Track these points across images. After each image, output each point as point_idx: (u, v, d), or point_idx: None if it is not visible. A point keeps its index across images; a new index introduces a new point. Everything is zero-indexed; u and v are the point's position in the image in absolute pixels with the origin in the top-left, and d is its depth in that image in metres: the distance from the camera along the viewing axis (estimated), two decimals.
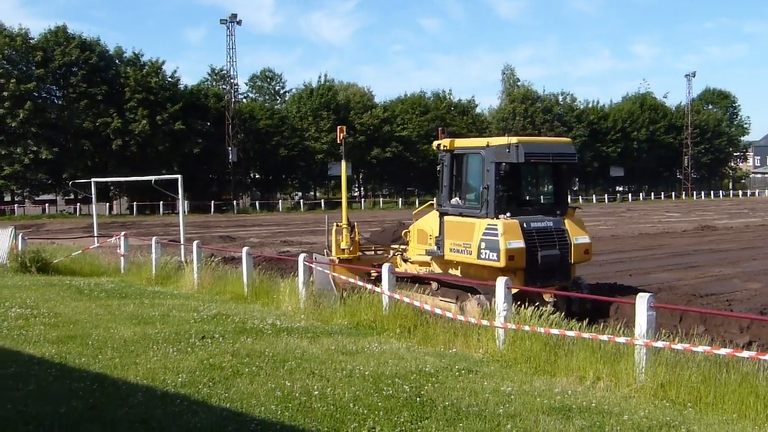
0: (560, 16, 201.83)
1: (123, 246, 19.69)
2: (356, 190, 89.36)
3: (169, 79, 70.73)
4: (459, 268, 12.68)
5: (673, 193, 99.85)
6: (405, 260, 14.27)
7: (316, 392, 6.93)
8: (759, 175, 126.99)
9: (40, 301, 13.05)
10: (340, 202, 15.24)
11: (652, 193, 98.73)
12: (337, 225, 14.49)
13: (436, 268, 13.22)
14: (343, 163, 14.88)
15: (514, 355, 8.67)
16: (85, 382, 7.32)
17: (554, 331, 8.41)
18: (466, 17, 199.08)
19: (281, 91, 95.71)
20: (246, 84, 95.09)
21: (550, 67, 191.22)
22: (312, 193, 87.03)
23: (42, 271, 18.60)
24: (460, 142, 13.17)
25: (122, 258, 19.59)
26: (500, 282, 9.40)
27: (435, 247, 13.15)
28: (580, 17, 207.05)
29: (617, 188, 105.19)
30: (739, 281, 16.96)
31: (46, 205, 67.38)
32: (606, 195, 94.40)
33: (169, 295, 14.64)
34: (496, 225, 11.65)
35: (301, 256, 13.46)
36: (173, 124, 66.02)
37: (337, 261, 14.15)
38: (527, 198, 13.30)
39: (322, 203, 75.77)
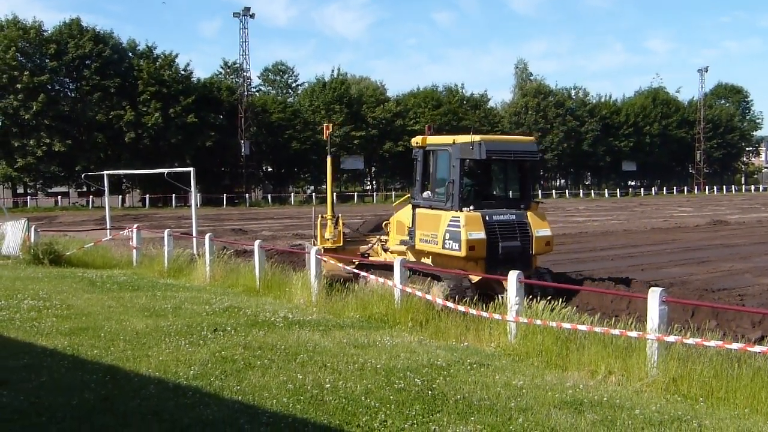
0: (574, 11, 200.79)
1: (135, 238, 19.77)
2: (368, 183, 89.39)
3: (182, 72, 70.89)
4: (430, 257, 13.31)
5: (686, 188, 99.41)
6: (385, 250, 14.92)
7: (328, 385, 6.93)
8: None
9: (52, 293, 13.12)
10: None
11: (665, 188, 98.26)
12: (322, 217, 15.40)
13: (411, 257, 13.74)
14: (329, 159, 15.84)
15: (525, 349, 8.64)
16: (98, 374, 7.36)
17: (566, 325, 8.38)
18: (480, 11, 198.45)
19: (294, 85, 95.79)
20: (259, 77, 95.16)
21: (564, 62, 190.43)
22: (324, 186, 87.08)
23: (54, 263, 18.71)
24: (431, 140, 13.83)
25: (134, 250, 19.67)
26: (512, 275, 9.37)
27: (408, 238, 13.89)
28: (594, 11, 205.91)
29: (629, 183, 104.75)
30: (751, 276, 16.85)
31: (59, 197, 67.74)
32: (618, 189, 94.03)
33: (182, 288, 14.69)
34: (459, 217, 12.40)
35: (313, 250, 13.45)
36: (186, 117, 66.15)
37: (322, 250, 14.53)
38: (492, 192, 13.93)
39: (334, 196, 75.77)
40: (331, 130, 15.27)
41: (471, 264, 12.41)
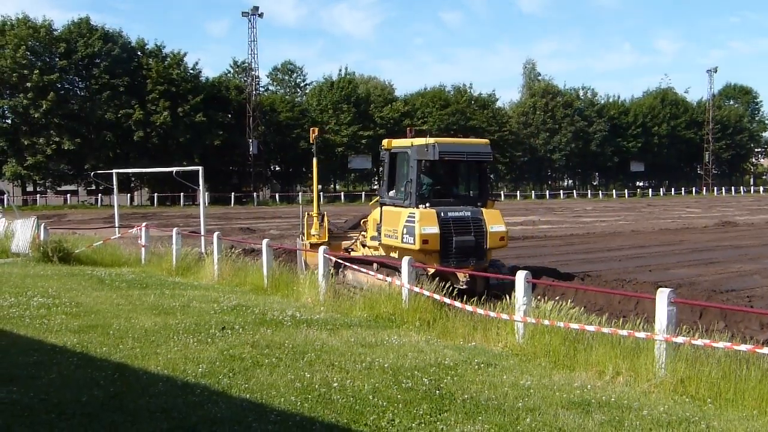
0: (583, 10, 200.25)
1: (144, 237, 19.83)
2: (376, 183, 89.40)
3: (191, 71, 71.11)
4: (397, 252, 13.94)
5: (694, 189, 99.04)
6: (363, 245, 15.71)
7: (336, 384, 6.95)
8: None
9: (62, 291, 13.18)
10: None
11: (673, 189, 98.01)
12: (309, 214, 16.65)
13: (381, 252, 14.63)
14: (315, 160, 17.03)
15: (533, 349, 8.63)
16: (107, 371, 7.39)
17: (574, 325, 8.36)
18: (488, 11, 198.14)
19: (302, 84, 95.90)
20: (267, 76, 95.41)
21: (572, 62, 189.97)
22: (332, 185, 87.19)
23: (64, 261, 18.78)
24: (396, 142, 14.76)
25: (143, 249, 19.72)
26: (520, 276, 9.36)
27: (377, 234, 14.71)
28: (602, 11, 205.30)
29: (637, 183, 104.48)
30: (759, 277, 16.77)
31: (68, 195, 68.11)
32: (626, 190, 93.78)
33: (190, 286, 14.72)
34: (414, 213, 13.27)
35: (321, 249, 13.48)
36: (194, 116, 66.33)
37: (308, 245, 16.02)
38: (450, 191, 14.64)
39: (342, 196, 75.89)
40: (317, 134, 16.32)
41: (427, 257, 13.19)
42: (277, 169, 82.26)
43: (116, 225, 25.57)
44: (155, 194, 66.94)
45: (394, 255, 14.00)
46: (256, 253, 18.67)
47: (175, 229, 18.67)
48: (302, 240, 16.61)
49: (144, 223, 20.78)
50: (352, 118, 78.06)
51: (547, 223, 38.95)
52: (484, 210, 13.89)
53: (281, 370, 7.50)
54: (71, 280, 14.98)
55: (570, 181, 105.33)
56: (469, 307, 9.98)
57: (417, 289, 11.05)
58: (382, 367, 7.65)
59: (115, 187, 27.07)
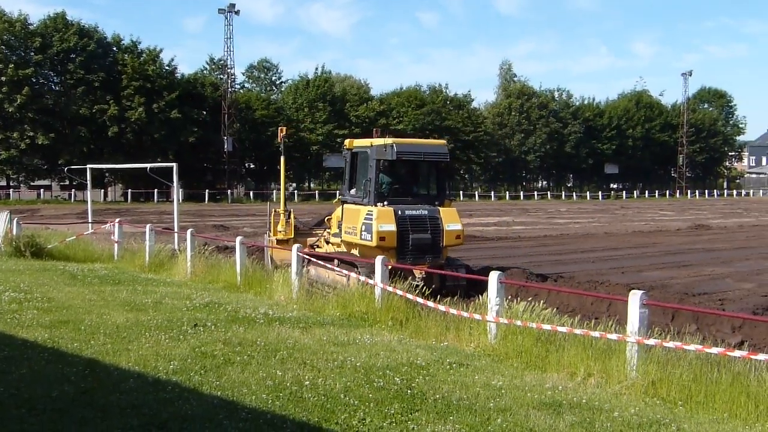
0: (560, 12, 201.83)
1: (117, 233, 19.64)
2: None
3: (167, 68, 70.63)
4: (357, 248, 14.41)
5: (668, 192, 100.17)
6: (327, 242, 16.16)
7: (308, 382, 6.92)
8: (754, 175, 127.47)
9: (33, 286, 13.00)
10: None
11: (647, 191, 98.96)
12: (275, 210, 17.03)
13: (344, 248, 15.09)
14: (282, 159, 17.32)
15: (505, 350, 8.66)
16: (78, 367, 7.30)
17: (546, 326, 8.40)
18: (465, 12, 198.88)
19: (278, 82, 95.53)
20: (243, 74, 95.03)
21: (549, 63, 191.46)
22: (307, 184, 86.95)
23: (36, 255, 18.55)
24: (357, 142, 15.29)
25: (116, 244, 19.54)
26: (493, 276, 9.39)
27: (338, 230, 15.26)
28: (579, 14, 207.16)
29: (611, 185, 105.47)
30: (732, 281, 16.99)
31: (42, 190, 67.17)
32: (600, 192, 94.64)
33: (162, 283, 14.61)
34: (372, 211, 13.76)
35: (295, 247, 13.45)
36: (169, 113, 65.88)
37: (275, 242, 16.51)
38: (409, 190, 15.10)
39: (317, 194, 75.74)
40: (284, 133, 16.73)
41: (384, 253, 13.30)
42: (252, 166, 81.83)
43: (89, 221, 25.24)
44: (129, 190, 66.38)
45: (355, 251, 14.49)
46: (229, 251, 18.57)
47: (148, 226, 18.51)
48: (269, 236, 17.04)
49: (117, 219, 20.59)
50: (327, 116, 77.96)
51: (521, 224, 39.16)
52: (441, 209, 14.32)
53: (253, 367, 7.46)
54: (43, 275, 14.79)
55: (544, 183, 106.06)
56: (441, 307, 9.99)
57: (390, 289, 11.05)
58: (354, 366, 7.64)
59: (88, 182, 26.68)
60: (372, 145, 14.35)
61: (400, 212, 13.81)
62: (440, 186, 15.17)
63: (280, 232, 16.75)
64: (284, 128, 17.01)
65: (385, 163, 14.28)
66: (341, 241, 15.09)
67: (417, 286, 11.69)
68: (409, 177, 15.34)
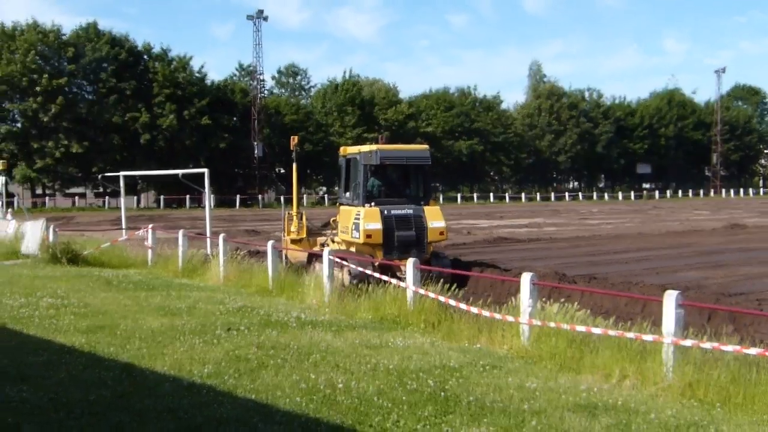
0: (588, 11, 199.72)
1: (150, 238, 19.87)
2: None
3: (197, 75, 71.34)
4: (354, 246, 15.64)
5: (702, 191, 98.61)
6: (333, 241, 17.14)
7: (341, 385, 6.95)
8: None
9: (70, 292, 13.24)
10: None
11: (680, 191, 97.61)
12: (289, 213, 18.35)
13: (344, 247, 16.24)
14: (295, 165, 18.08)
15: (538, 352, 8.61)
16: (114, 372, 7.41)
17: (580, 328, 8.34)
18: (494, 12, 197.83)
19: (306, 87, 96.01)
20: (272, 79, 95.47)
21: (578, 63, 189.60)
22: (336, 188, 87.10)
23: (72, 262, 18.85)
24: (350, 149, 16.67)
25: (149, 250, 19.77)
26: (526, 278, 9.34)
27: (337, 231, 16.66)
28: (608, 12, 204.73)
29: (644, 186, 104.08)
30: None
31: (76, 197, 68.28)
32: (632, 192, 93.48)
33: (196, 288, 14.77)
34: (360, 211, 15.18)
35: (326, 251, 13.51)
36: (200, 119, 66.50)
37: (289, 242, 17.77)
38: (396, 191, 16.40)
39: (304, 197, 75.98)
40: (296, 141, 17.74)
41: (372, 249, 15.14)
42: (282, 171, 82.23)
43: (123, 227, 25.62)
44: (161, 196, 67.06)
45: (353, 249, 15.74)
46: (261, 255, 18.70)
47: (181, 231, 18.71)
48: (283, 237, 18.35)
49: (150, 225, 20.83)
50: (356, 120, 78.12)
51: (553, 225, 38.86)
52: (425, 208, 15.68)
53: (286, 371, 7.51)
54: (79, 282, 15.04)
55: (575, 183, 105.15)
56: (474, 309, 9.97)
57: (422, 291, 11.06)
58: (387, 368, 7.65)
59: (122, 189, 27.09)
60: (360, 152, 15.81)
61: (386, 212, 15.19)
62: (425, 187, 16.56)
63: (293, 232, 17.91)
64: (296, 137, 18.13)
65: (371, 168, 15.68)
66: (341, 240, 16.32)
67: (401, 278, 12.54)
68: (395, 180, 16.78)
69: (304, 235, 17.81)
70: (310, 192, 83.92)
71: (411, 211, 15.48)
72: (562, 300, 9.93)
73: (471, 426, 5.93)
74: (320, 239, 17.90)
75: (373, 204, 15.32)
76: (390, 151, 15.82)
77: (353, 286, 13.25)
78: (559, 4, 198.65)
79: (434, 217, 15.59)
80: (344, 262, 14.32)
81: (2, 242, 23.00)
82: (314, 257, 16.59)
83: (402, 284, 11.68)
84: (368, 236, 14.92)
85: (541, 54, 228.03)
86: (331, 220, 17.82)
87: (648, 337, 7.67)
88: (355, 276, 14.17)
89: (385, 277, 12.30)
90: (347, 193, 16.53)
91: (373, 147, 15.55)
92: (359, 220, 15.07)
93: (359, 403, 6.43)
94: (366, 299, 12.02)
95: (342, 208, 16.54)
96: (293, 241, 17.77)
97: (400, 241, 15.14)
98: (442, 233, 15.66)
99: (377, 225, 14.96)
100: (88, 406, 6.26)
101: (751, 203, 71.31)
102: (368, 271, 13.69)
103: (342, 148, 17.00)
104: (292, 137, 18.27)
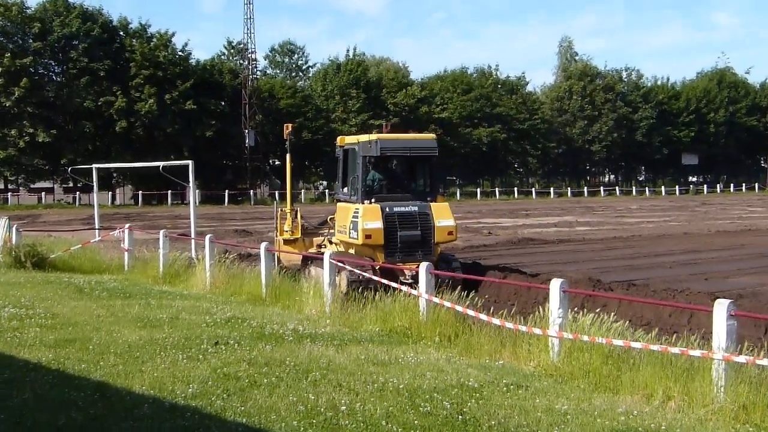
0: None
1: (127, 240, 19.92)
2: None
3: (180, 54, 71.44)
4: (353, 248, 15.71)
5: (757, 185, 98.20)
6: (330, 242, 17.31)
7: (344, 407, 6.94)
8: None
9: (36, 300, 13.27)
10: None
11: (732, 185, 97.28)
12: (282, 210, 18.42)
13: (343, 248, 16.35)
14: (288, 157, 18.69)
15: (570, 369, 8.59)
16: (86, 391, 7.42)
17: (617, 341, 8.31)
18: None
19: (304, 67, 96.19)
20: (265, 59, 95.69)
21: (615, 39, 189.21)
22: (336, 182, 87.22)
23: (38, 266, 18.92)
24: (348, 139, 16.76)
25: (126, 253, 19.83)
26: (555, 285, 9.32)
27: (334, 230, 16.88)
28: None
29: (690, 179, 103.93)
30: None
31: (43, 193, 68.53)
32: (677, 186, 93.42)
33: (179, 296, 14.81)
34: (358, 209, 15.21)
35: (327, 253, 13.53)
36: (183, 104, 66.65)
37: (282, 242, 17.87)
38: (399, 186, 16.48)
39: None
40: (290, 130, 18.20)
41: (372, 251, 15.25)
42: (277, 163, 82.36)
43: (96, 227, 25.70)
44: (140, 192, 67.28)
45: (352, 251, 15.87)
46: (253, 259, 18.74)
47: (162, 232, 18.76)
48: (275, 237, 18.39)
49: (127, 225, 20.88)
50: (361, 105, 78.20)
51: (586, 224, 38.81)
52: (432, 204, 15.71)
53: (282, 390, 7.51)
54: (46, 289, 15.09)
55: (612, 177, 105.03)
56: (496, 320, 9.95)
57: (437, 300, 11.05)
58: (397, 388, 7.64)
59: (94, 184, 27.19)
60: (359, 142, 15.83)
61: (387, 209, 15.21)
62: (431, 181, 16.65)
63: (286, 232, 18.03)
64: (289, 125, 18.48)
65: (371, 160, 15.80)
66: (339, 241, 16.44)
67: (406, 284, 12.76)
68: (398, 173, 17.04)
69: (299, 235, 17.94)
70: (308, 187, 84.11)
71: (416, 208, 15.54)
72: (597, 310, 9.89)
73: None
74: (316, 240, 18.06)
75: (373, 200, 15.40)
76: (391, 141, 15.86)
77: (354, 291, 13.33)
78: None
79: (442, 215, 15.63)
80: (341, 266, 14.38)
81: None
82: (309, 260, 16.75)
83: (413, 291, 11.70)
84: (367, 236, 14.98)
85: (572, 29, 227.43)
86: (329, 218, 17.99)
87: (695, 353, 7.64)
88: (352, 281, 14.29)
89: (394, 284, 12.32)
90: (345, 188, 16.69)
91: (373, 136, 15.61)
92: (357, 218, 15.15)
93: (365, 428, 6.43)
94: (373, 309, 12.02)
95: (339, 204, 16.71)
96: (286, 242, 17.90)
97: (404, 241, 15.22)
98: (451, 233, 15.70)
99: (377, 224, 15.01)
100: (57, 431, 6.26)
101: None
102: (367, 274, 13.87)
103: (339, 138, 17.14)
104: (285, 125, 18.53)
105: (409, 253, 15.21)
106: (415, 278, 13.76)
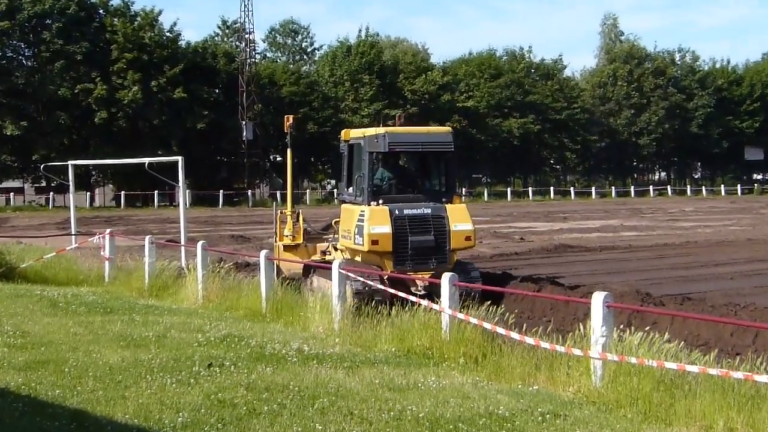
0: None
1: (108, 247, 19.99)
2: None
3: (168, 35, 71.83)
4: (359, 255, 15.81)
5: None
6: (335, 248, 17.39)
7: None
8: None
9: (3, 317, 13.32)
10: None
11: None
12: (282, 212, 18.66)
13: (348, 255, 16.39)
14: (289, 152, 19.28)
15: (615, 396, 8.55)
16: (61, 420, 7.44)
17: (670, 365, 8.27)
18: None
19: (309, 50, 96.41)
20: (264, 40, 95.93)
21: (666, 16, 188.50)
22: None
23: (6, 277, 19.00)
24: (353, 133, 16.87)
25: (107, 262, 19.89)
26: (598, 298, 9.28)
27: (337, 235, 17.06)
28: None
29: (754, 176, 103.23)
30: None
31: (12, 194, 69.00)
32: (739, 185, 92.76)
33: (167, 311, 14.85)
34: (364, 211, 15.27)
35: (336, 263, 13.53)
36: (172, 92, 66.85)
37: (281, 248, 18.08)
38: (410, 186, 16.66)
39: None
40: (291, 122, 18.38)
41: (380, 259, 15.35)
42: (278, 159, 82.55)
43: (73, 232, 25.83)
44: (122, 192, 67.50)
45: (358, 258, 15.98)
46: (252, 268, 18.77)
47: (147, 238, 18.83)
48: (275, 243, 18.53)
49: (108, 230, 20.97)
50: (375, 92, 78.29)
51: (633, 228, 38.68)
52: (448, 206, 15.78)
53: (285, 419, 7.52)
54: (16, 303, 15.15)
55: (663, 174, 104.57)
56: (530, 339, 9.93)
57: (461, 316, 11.04)
58: (416, 417, 7.63)
59: (71, 183, 27.32)
60: (365, 136, 15.96)
61: (397, 211, 15.30)
62: (447, 180, 16.77)
63: (286, 237, 18.19)
64: (291, 117, 18.72)
65: (378, 156, 16.02)
66: (343, 246, 16.55)
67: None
68: (409, 171, 17.28)
69: (301, 241, 18.08)
70: (314, 186, 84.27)
71: (429, 211, 15.63)
72: (646, 328, 9.85)
73: None
74: (320, 246, 18.15)
75: (381, 202, 15.46)
76: (401, 135, 16.00)
77: (363, 303, 13.40)
78: None
79: (459, 218, 15.71)
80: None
81: None
82: (312, 269, 16.85)
83: (434, 306, 11.68)
84: (374, 242, 15.06)
85: (616, 4, 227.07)
86: (333, 221, 18.08)
87: (762, 378, 7.59)
88: (357, 293, 14.35)
89: (404, 295, 12.33)
90: (350, 189, 16.80)
91: (381, 130, 15.72)
92: (363, 222, 15.22)
93: None
94: (388, 326, 12.02)
95: (343, 206, 16.84)
96: (286, 249, 18.05)
97: (415, 248, 15.29)
98: (468, 238, 15.80)
99: (385, 228, 15.10)
100: None
101: None
102: (374, 283, 14.03)
103: (344, 132, 17.24)
104: (286, 117, 18.66)
105: (421, 262, 15.34)
106: (429, 289, 14.03)
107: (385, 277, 14.79)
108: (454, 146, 16.27)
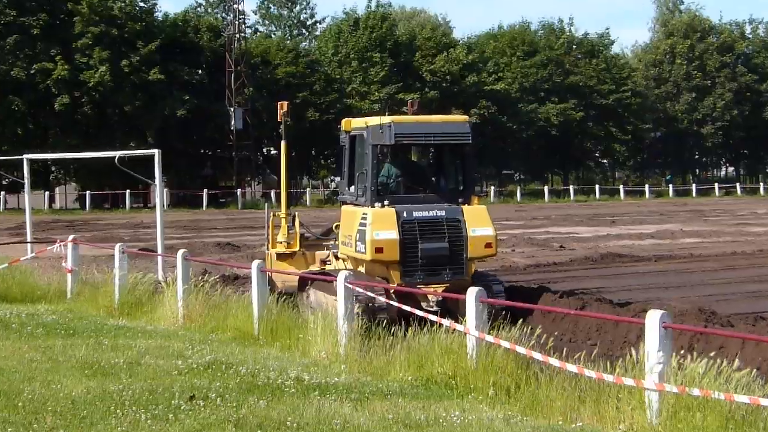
0: None
1: (70, 257, 20.00)
2: None
3: (142, 4, 71.86)
4: (363, 264, 15.93)
5: None
6: (336, 257, 17.58)
7: None
8: None
9: None
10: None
11: None
12: (275, 215, 18.83)
13: (350, 264, 16.60)
14: (283, 143, 19.67)
15: None
16: None
17: (741, 398, 8.23)
18: None
19: (309, 23, 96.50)
20: (256, 12, 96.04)
21: None
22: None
23: None
24: (355, 123, 16.97)
25: (69, 275, 19.90)
26: (653, 317, 9.24)
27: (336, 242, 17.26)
28: None
29: None
30: None
31: None
32: None
33: (141, 333, 14.87)
34: (367, 213, 15.32)
35: (341, 275, 13.51)
36: (147, 73, 66.80)
37: (274, 256, 18.15)
38: (421, 184, 16.86)
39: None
40: (285, 110, 18.54)
41: (385, 269, 15.48)
42: (273, 152, 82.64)
43: (28, 239, 25.89)
44: (87, 192, 67.52)
45: (362, 268, 16.03)
46: (242, 282, 18.79)
47: (118, 246, 18.84)
48: (267, 251, 18.64)
49: (71, 237, 21.00)
50: (387, 73, 78.19)
51: (694, 234, 38.54)
52: (464, 208, 15.84)
53: None
54: None
55: (730, 169, 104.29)
56: (572, 367, 9.90)
57: (491, 339, 11.01)
58: None
59: (26, 181, 27.41)
60: (367, 126, 16.03)
61: (405, 214, 15.39)
62: (465, 177, 16.91)
63: (280, 243, 18.21)
64: (284, 103, 18.85)
65: (383, 150, 16.27)
66: (344, 254, 16.75)
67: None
68: (420, 167, 17.56)
69: (297, 248, 18.09)
70: (315, 184, 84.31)
71: (443, 213, 15.67)
72: (712, 353, 9.82)
73: None
74: (320, 254, 18.22)
75: (386, 203, 15.49)
76: (410, 125, 16.09)
77: (370, 322, 13.48)
78: None
79: (478, 222, 15.74)
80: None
81: None
82: (309, 282, 16.87)
83: (458, 327, 11.65)
84: (378, 250, 15.10)
85: None
86: (334, 226, 18.15)
87: None
88: (364, 311, 14.25)
89: (420, 312, 12.32)
90: (351, 187, 16.88)
91: (386, 119, 15.73)
92: (366, 226, 15.25)
93: None
94: (403, 350, 12.00)
95: (344, 208, 17.05)
96: (280, 257, 18.06)
97: (427, 257, 15.33)
98: (489, 245, 15.83)
99: (391, 234, 15.13)
100: None
101: None
102: (381, 299, 14.07)
103: (344, 121, 17.29)
104: (279, 104, 18.83)
105: (433, 273, 15.39)
106: (441, 304, 14.22)
107: (392, 291, 14.76)
108: (472, 137, 16.20)
